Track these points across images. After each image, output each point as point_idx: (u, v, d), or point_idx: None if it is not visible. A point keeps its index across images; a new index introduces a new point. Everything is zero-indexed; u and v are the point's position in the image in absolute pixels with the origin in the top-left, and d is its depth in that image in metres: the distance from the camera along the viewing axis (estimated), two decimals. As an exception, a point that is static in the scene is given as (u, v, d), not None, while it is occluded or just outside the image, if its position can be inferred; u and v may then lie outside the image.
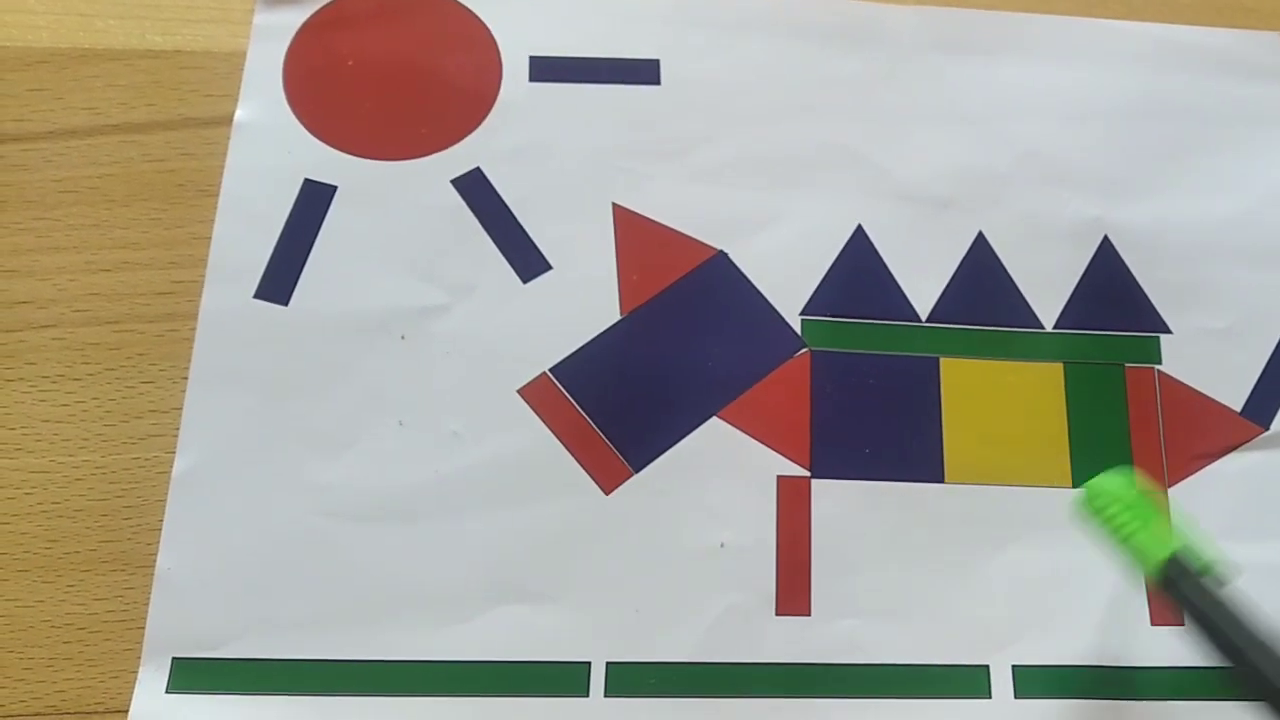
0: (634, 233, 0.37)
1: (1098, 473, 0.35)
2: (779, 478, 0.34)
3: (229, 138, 0.37)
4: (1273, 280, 0.38)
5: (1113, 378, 0.36)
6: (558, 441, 0.34)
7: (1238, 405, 0.36)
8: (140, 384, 0.35)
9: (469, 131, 0.37)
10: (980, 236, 0.38)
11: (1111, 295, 0.37)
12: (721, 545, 0.34)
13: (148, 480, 0.34)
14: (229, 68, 0.38)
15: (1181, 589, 0.27)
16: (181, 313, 0.35)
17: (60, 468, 0.34)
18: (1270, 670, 0.25)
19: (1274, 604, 0.33)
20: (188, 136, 0.37)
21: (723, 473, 0.34)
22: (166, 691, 0.31)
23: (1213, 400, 0.36)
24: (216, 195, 0.36)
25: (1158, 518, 0.29)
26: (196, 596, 0.32)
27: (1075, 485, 0.35)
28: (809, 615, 0.33)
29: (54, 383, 0.35)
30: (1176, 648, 0.33)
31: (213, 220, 0.36)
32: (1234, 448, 0.36)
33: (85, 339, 0.35)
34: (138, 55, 0.38)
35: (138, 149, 0.37)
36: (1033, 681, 0.33)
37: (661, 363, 0.35)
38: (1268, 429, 0.36)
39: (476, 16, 0.39)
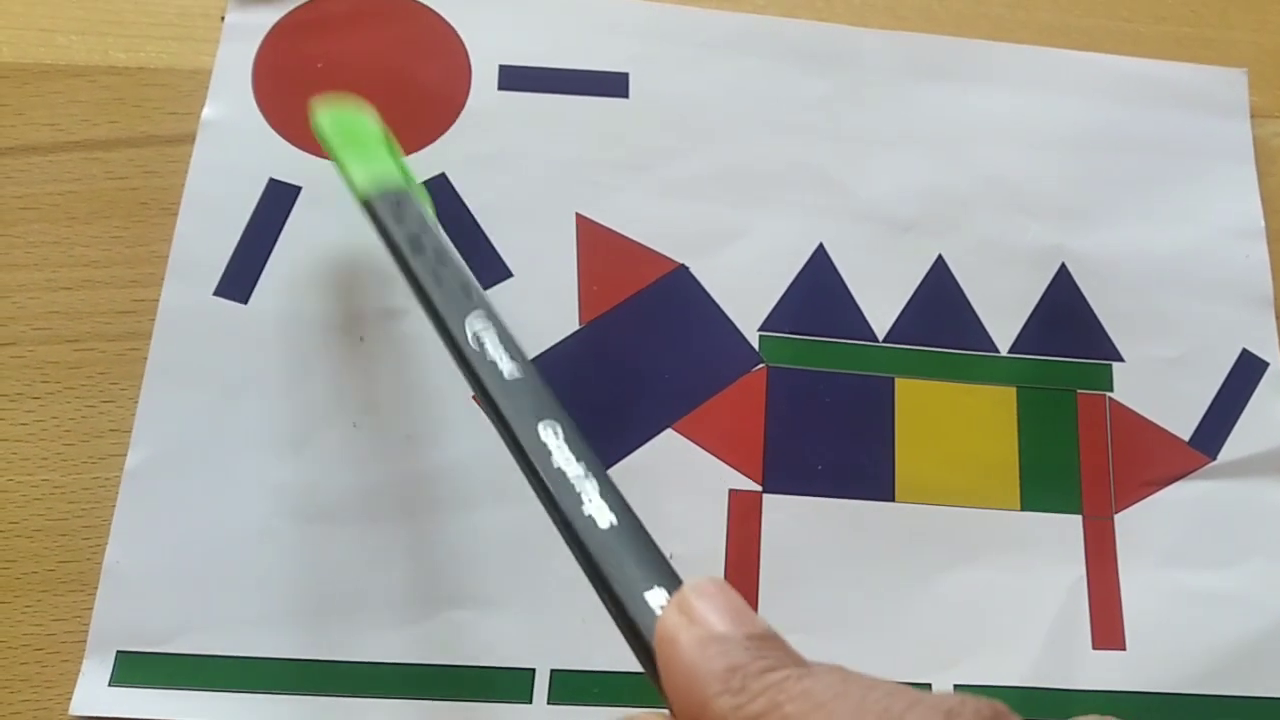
0: (596, 243, 0.37)
1: (1047, 496, 0.35)
2: (731, 491, 0.35)
3: (192, 155, 0.37)
4: (1224, 312, 0.38)
5: (1065, 403, 0.37)
6: (511, 448, 0.34)
7: (1186, 435, 0.37)
8: (100, 403, 0.34)
9: (436, 137, 0.38)
10: (940, 259, 0.38)
11: (1066, 321, 0.38)
12: (671, 556, 0.33)
13: (107, 500, 0.33)
14: (193, 85, 0.38)
15: (380, 217, 0.29)
16: (143, 331, 0.35)
17: (18, 487, 0.33)
18: (434, 292, 0.27)
19: (1218, 631, 0.34)
20: (150, 154, 0.37)
21: (675, 484, 0.34)
22: (110, 684, 0.31)
23: (1162, 429, 0.37)
24: (179, 213, 0.36)
25: (376, 149, 0.31)
26: (143, 591, 0.32)
27: (1024, 509, 0.35)
28: (754, 629, 0.33)
29: (13, 401, 0.34)
30: (1117, 672, 0.34)
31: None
32: (1181, 476, 0.36)
33: (45, 357, 0.35)
34: (100, 71, 0.38)
35: (100, 166, 0.37)
36: (973, 701, 0.33)
37: (618, 373, 0.36)
38: (1214, 459, 0.36)
39: (448, 23, 0.39)
